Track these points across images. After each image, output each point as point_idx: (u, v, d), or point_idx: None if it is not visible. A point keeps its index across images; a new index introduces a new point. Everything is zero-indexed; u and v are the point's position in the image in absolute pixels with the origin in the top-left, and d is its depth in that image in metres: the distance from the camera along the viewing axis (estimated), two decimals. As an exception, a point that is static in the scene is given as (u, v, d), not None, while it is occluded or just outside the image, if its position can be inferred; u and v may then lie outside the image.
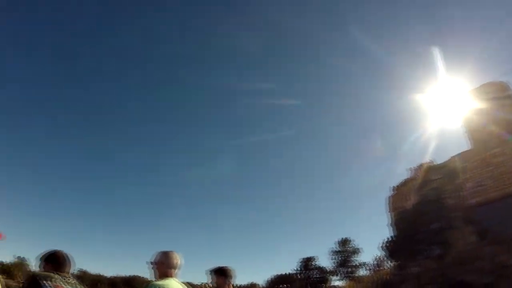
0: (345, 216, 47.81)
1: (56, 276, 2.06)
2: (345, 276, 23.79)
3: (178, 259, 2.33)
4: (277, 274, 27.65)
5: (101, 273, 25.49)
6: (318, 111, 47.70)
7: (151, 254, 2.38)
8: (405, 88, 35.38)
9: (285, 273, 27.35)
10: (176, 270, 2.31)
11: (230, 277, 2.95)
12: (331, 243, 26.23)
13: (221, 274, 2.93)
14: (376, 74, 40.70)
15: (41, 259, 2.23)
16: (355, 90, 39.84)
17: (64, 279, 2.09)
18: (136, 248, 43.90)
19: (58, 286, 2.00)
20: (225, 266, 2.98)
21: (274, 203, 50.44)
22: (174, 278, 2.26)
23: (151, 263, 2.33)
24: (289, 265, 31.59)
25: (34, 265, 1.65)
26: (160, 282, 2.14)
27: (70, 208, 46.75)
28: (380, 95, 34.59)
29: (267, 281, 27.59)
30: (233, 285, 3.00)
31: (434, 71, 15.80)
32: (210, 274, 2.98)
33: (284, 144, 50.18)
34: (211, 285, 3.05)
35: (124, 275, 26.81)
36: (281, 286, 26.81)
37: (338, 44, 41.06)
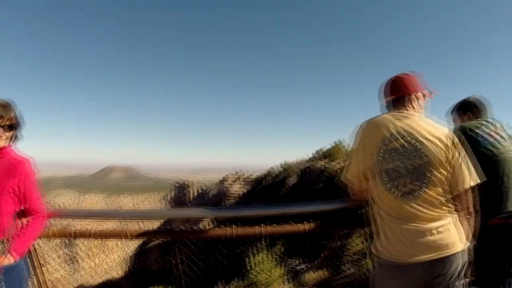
0: None
1: (483, 122, 1.80)
2: None
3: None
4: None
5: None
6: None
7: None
8: None
9: None
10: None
11: None
12: None
13: None
14: None
15: (452, 111, 2.01)
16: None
17: (492, 125, 1.79)
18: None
19: (492, 133, 1.72)
20: None
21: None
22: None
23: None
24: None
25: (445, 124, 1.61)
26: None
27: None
28: None
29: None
30: None
31: None
32: None
33: None
34: None
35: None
36: None
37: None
